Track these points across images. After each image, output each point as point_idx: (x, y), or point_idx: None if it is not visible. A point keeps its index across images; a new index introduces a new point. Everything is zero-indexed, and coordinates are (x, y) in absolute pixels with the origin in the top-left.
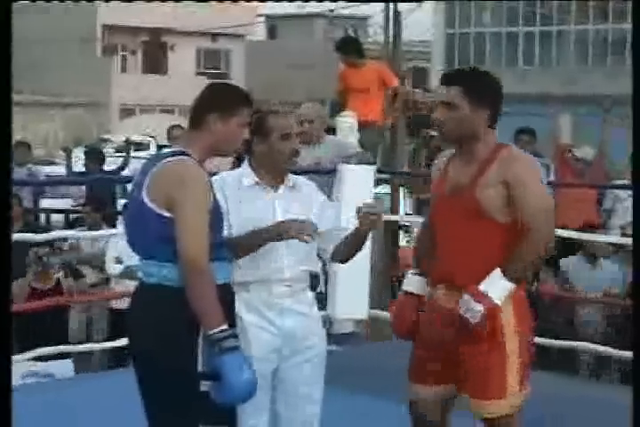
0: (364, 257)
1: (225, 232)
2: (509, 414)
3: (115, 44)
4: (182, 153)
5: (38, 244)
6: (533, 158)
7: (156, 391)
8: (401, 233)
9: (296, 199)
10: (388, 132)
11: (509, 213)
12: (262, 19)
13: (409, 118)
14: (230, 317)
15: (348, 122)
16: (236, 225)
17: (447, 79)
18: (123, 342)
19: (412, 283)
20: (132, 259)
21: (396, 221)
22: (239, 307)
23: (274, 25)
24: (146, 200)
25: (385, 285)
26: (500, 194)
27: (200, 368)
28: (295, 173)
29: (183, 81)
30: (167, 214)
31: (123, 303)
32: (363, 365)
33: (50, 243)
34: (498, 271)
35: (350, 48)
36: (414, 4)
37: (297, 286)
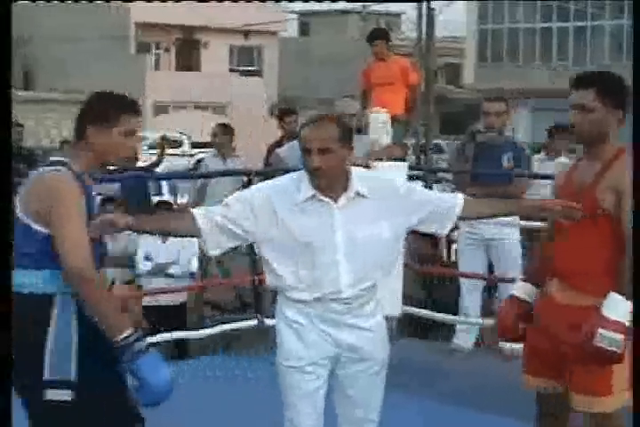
0: None
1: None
2: (616, 413)
3: (148, 42)
4: (60, 163)
5: None
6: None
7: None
8: None
9: (362, 209)
10: (422, 129)
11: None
12: (295, 16)
13: (445, 116)
14: None
15: (381, 118)
16: (291, 242)
17: (580, 82)
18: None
19: (520, 288)
20: (161, 256)
21: None
22: (295, 313)
23: (306, 22)
24: (20, 213)
25: (417, 282)
26: (613, 199)
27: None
28: None
29: (216, 78)
30: (40, 228)
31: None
32: (392, 361)
33: None
34: (615, 294)
35: (380, 34)
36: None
37: (356, 302)
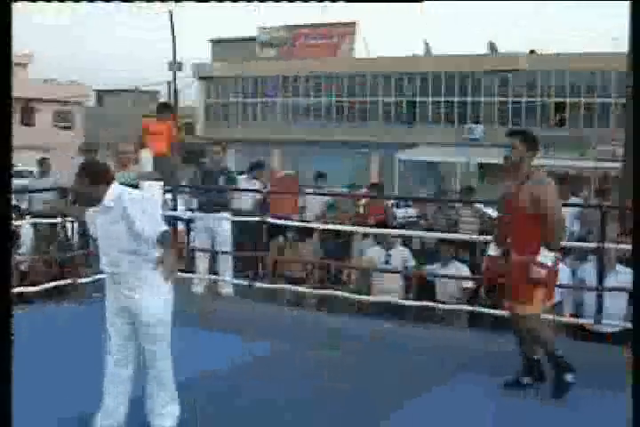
0: None
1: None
2: (534, 315)
3: None
4: None
5: None
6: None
7: None
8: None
9: (109, 216)
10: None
11: (536, 210)
12: (93, 92)
13: (186, 153)
14: None
15: (147, 155)
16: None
17: (512, 133)
18: None
19: (493, 250)
20: None
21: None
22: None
23: (101, 95)
24: None
25: None
26: (531, 198)
27: None
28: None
29: (44, 131)
30: None
31: None
32: None
33: None
34: (544, 248)
35: (168, 107)
36: (189, 83)
37: (116, 269)
